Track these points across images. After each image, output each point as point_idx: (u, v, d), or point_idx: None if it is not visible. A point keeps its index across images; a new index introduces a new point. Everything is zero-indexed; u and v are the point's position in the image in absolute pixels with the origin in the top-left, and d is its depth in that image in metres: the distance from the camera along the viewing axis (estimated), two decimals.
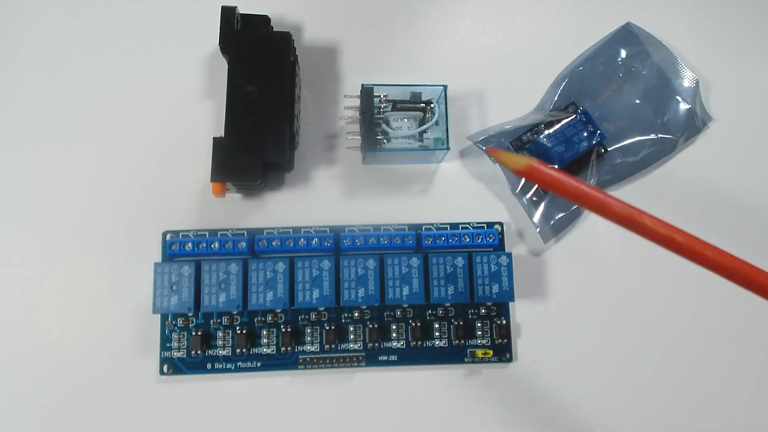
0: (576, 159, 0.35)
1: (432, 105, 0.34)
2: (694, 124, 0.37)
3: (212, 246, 0.32)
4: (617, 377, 0.34)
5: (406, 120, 0.34)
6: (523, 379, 0.34)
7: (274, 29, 0.35)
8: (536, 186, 0.35)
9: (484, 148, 0.35)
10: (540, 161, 0.21)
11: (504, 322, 0.34)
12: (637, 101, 0.37)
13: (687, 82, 0.37)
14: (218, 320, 0.33)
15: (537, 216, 0.35)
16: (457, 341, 0.33)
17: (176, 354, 0.33)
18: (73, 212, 0.34)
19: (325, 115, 0.36)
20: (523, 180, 0.36)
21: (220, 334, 0.33)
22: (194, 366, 0.33)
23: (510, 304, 0.34)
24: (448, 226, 0.34)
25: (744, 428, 0.34)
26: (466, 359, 0.34)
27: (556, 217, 0.35)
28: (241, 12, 0.34)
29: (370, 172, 0.36)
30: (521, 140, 0.35)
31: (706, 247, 0.19)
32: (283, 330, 0.33)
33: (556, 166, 0.34)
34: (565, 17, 0.39)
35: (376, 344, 0.33)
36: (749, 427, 0.34)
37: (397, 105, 0.34)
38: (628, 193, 0.36)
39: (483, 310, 0.34)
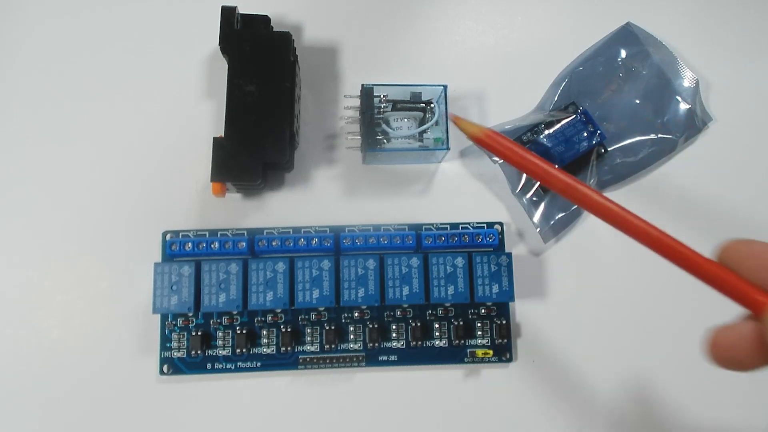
0: (576, 159, 0.35)
1: (432, 105, 0.34)
2: (694, 124, 0.37)
3: (212, 246, 0.32)
4: (617, 377, 0.34)
5: (406, 120, 0.34)
6: (523, 379, 0.34)
7: (274, 29, 0.35)
8: (536, 186, 0.35)
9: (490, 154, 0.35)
10: (495, 132, 0.23)
11: (504, 322, 0.34)
12: (637, 101, 0.37)
13: (687, 82, 0.37)
14: (218, 320, 0.33)
15: (537, 216, 0.35)
16: (457, 341, 0.33)
17: (176, 354, 0.33)
18: (73, 212, 0.34)
19: (325, 115, 0.36)
20: (523, 180, 0.36)
21: (220, 334, 0.33)
22: (194, 366, 0.33)
23: (510, 304, 0.34)
24: (448, 226, 0.34)
25: (744, 427, 0.34)
26: (466, 359, 0.34)
27: (556, 217, 0.35)
28: (241, 12, 0.34)
29: (370, 172, 0.36)
30: (521, 140, 0.35)
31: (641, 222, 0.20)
32: (283, 330, 0.33)
33: (556, 166, 0.34)
34: (565, 17, 0.39)
35: (376, 344, 0.33)
36: (750, 427, 0.34)
37: (397, 105, 0.34)
38: (629, 193, 0.36)
39: (483, 310, 0.34)
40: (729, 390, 0.34)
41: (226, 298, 0.32)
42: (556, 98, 0.37)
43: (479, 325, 0.34)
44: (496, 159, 0.35)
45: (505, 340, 0.34)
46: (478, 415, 0.34)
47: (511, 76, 0.38)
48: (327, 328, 0.33)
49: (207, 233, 0.33)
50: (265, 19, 0.34)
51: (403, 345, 0.33)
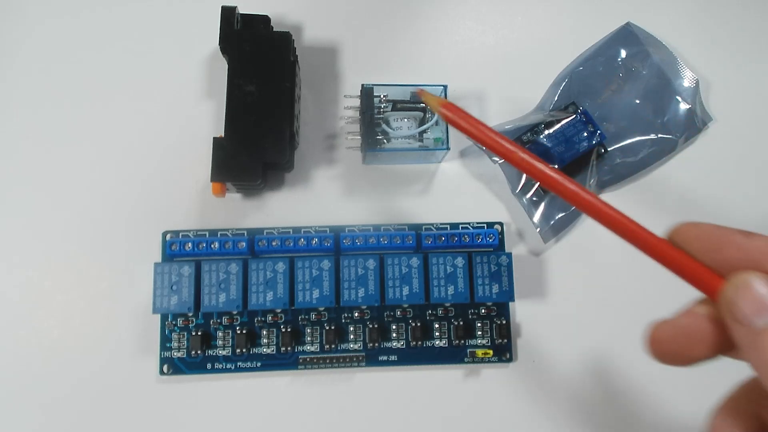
0: (576, 159, 0.35)
1: None
2: (694, 124, 0.37)
3: (212, 246, 0.32)
4: (617, 377, 0.34)
5: (406, 120, 0.34)
6: (523, 379, 0.34)
7: (274, 29, 0.35)
8: (536, 186, 0.35)
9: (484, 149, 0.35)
10: (459, 108, 0.23)
11: (504, 322, 0.34)
12: (637, 101, 0.37)
13: (687, 82, 0.37)
14: (218, 320, 0.33)
15: (537, 216, 0.35)
16: (457, 341, 0.33)
17: (176, 354, 0.33)
18: (74, 212, 0.34)
19: (325, 115, 0.36)
20: (523, 180, 0.36)
21: (220, 334, 0.33)
22: (194, 366, 0.33)
23: (510, 304, 0.34)
24: (448, 226, 0.34)
25: None
26: (466, 359, 0.34)
27: (556, 217, 0.35)
28: (241, 12, 0.34)
29: (370, 172, 0.36)
30: (521, 140, 0.35)
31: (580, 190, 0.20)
32: (283, 330, 0.33)
33: (556, 166, 0.34)
34: (565, 17, 0.39)
35: (376, 344, 0.33)
36: None
37: (397, 105, 0.34)
38: (629, 193, 0.36)
39: (483, 310, 0.34)
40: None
41: (226, 298, 0.32)
42: (556, 98, 0.37)
43: (479, 325, 0.34)
44: (497, 159, 0.35)
45: (505, 340, 0.34)
46: (478, 415, 0.34)
47: (511, 76, 0.38)
48: (327, 328, 0.33)
49: (207, 233, 0.33)
50: (265, 19, 0.34)
51: (403, 345, 0.33)
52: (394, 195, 0.36)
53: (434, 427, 0.33)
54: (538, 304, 0.35)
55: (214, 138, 0.32)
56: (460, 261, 0.33)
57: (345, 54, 0.37)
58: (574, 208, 0.35)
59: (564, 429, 0.34)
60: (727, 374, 0.20)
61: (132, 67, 0.36)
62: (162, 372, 0.32)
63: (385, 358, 0.33)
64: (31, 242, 0.34)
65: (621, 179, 0.36)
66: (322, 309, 0.33)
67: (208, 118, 0.35)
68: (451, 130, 0.34)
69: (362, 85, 0.33)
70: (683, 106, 0.37)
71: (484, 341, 0.34)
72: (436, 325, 0.34)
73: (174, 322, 0.33)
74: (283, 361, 0.33)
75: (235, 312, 0.33)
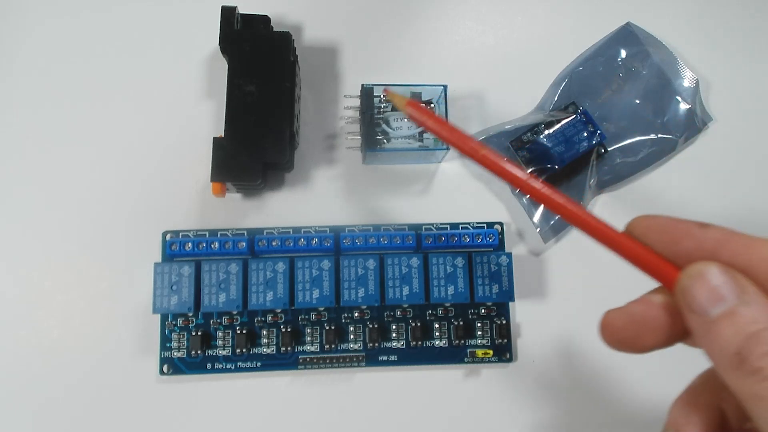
0: (576, 159, 0.35)
1: (432, 105, 0.34)
2: (694, 124, 0.37)
3: (212, 246, 0.32)
4: (617, 377, 0.34)
5: (406, 120, 0.34)
6: (523, 379, 0.34)
7: (274, 29, 0.35)
8: None
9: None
10: (421, 104, 0.23)
11: (504, 322, 0.34)
12: (637, 101, 0.37)
13: (687, 82, 0.37)
14: (218, 320, 0.33)
15: (537, 216, 0.35)
16: (457, 341, 0.33)
17: (176, 354, 0.33)
18: (74, 212, 0.34)
19: (325, 115, 0.36)
20: None
21: (220, 334, 0.33)
22: (194, 366, 0.33)
23: (510, 304, 0.34)
24: (448, 226, 0.34)
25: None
26: (466, 359, 0.34)
27: (556, 217, 0.35)
28: (241, 12, 0.34)
29: (370, 172, 0.36)
30: (521, 140, 0.35)
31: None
32: (283, 330, 0.33)
33: (556, 167, 0.35)
34: (565, 17, 0.39)
35: (376, 344, 0.33)
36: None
37: None
38: (629, 193, 0.36)
39: (483, 310, 0.34)
40: None
41: (226, 298, 0.32)
42: (556, 98, 0.37)
43: (479, 325, 0.34)
44: None
45: (505, 340, 0.34)
46: (478, 415, 0.34)
47: (511, 76, 0.38)
48: (327, 328, 0.33)
49: (207, 233, 0.33)
50: (265, 19, 0.34)
51: (403, 345, 0.33)
52: (394, 195, 0.36)
53: (434, 427, 0.33)
54: (538, 304, 0.35)
55: (214, 138, 0.32)
56: (460, 261, 0.33)
57: (345, 54, 0.37)
58: None
59: (564, 429, 0.34)
60: None
61: (132, 67, 0.36)
62: (162, 372, 0.32)
63: (385, 358, 0.33)
64: (31, 242, 0.34)
65: (621, 179, 0.36)
66: (322, 309, 0.33)
67: (208, 118, 0.35)
68: None
69: (362, 85, 0.33)
70: (683, 106, 0.37)
71: (484, 341, 0.34)
72: (436, 325, 0.34)
73: (174, 322, 0.33)
74: (283, 361, 0.33)
75: (235, 312, 0.33)
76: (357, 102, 0.34)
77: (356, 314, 0.33)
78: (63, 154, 0.35)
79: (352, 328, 0.33)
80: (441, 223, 0.34)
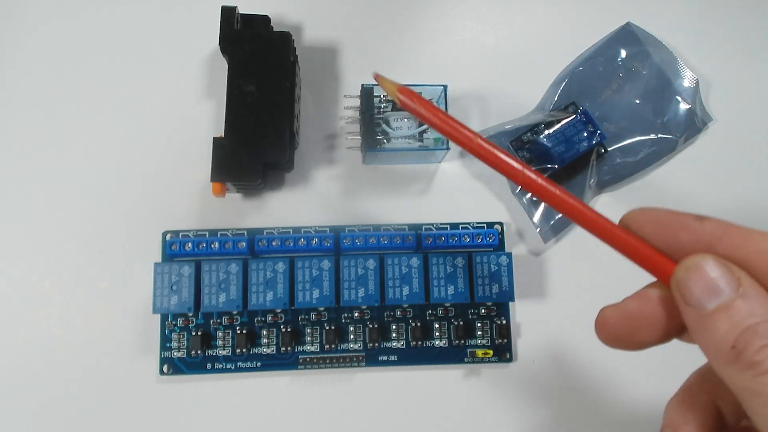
0: (576, 159, 0.35)
1: None
2: (694, 124, 0.37)
3: (212, 246, 0.32)
4: (617, 377, 0.34)
5: (406, 120, 0.34)
6: (523, 379, 0.34)
7: (274, 29, 0.35)
8: None
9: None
10: (417, 94, 0.22)
11: (504, 322, 0.34)
12: (637, 101, 0.37)
13: (687, 82, 0.37)
14: (218, 320, 0.33)
15: (537, 216, 0.35)
16: (457, 341, 0.33)
17: (176, 354, 0.33)
18: (74, 212, 0.34)
19: (325, 115, 0.36)
20: None
21: (220, 334, 0.33)
22: (194, 366, 0.33)
23: (510, 304, 0.34)
24: (448, 226, 0.34)
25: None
26: (466, 359, 0.34)
27: (556, 217, 0.35)
28: (241, 12, 0.34)
29: (370, 172, 0.36)
30: (521, 140, 0.35)
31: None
32: (283, 330, 0.33)
33: (556, 167, 0.34)
34: (565, 17, 0.39)
35: (376, 344, 0.33)
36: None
37: (397, 105, 0.34)
38: (629, 193, 0.36)
39: (483, 310, 0.34)
40: None
41: (226, 298, 0.32)
42: (556, 98, 0.37)
43: (479, 325, 0.34)
44: None
45: (505, 340, 0.34)
46: (478, 415, 0.34)
47: (511, 76, 0.38)
48: (327, 328, 0.33)
49: (207, 233, 0.33)
50: (265, 19, 0.34)
51: (403, 345, 0.33)
52: (394, 195, 0.36)
53: (434, 427, 0.33)
54: (538, 304, 0.35)
55: (214, 138, 0.32)
56: (460, 261, 0.33)
57: (345, 54, 0.37)
58: None
59: (564, 429, 0.34)
60: None
61: (132, 67, 0.36)
62: (162, 372, 0.32)
63: (385, 358, 0.33)
64: (31, 242, 0.34)
65: (621, 179, 0.36)
66: (322, 309, 0.33)
67: (208, 118, 0.36)
68: None
69: (362, 85, 0.33)
70: (683, 106, 0.37)
71: (484, 341, 0.34)
72: (436, 325, 0.34)
73: (174, 322, 0.33)
74: (283, 361, 0.33)
75: (235, 312, 0.33)
76: (357, 102, 0.34)
77: (356, 314, 0.33)
78: (63, 154, 0.35)
79: (352, 328, 0.33)
80: (441, 223, 0.34)
